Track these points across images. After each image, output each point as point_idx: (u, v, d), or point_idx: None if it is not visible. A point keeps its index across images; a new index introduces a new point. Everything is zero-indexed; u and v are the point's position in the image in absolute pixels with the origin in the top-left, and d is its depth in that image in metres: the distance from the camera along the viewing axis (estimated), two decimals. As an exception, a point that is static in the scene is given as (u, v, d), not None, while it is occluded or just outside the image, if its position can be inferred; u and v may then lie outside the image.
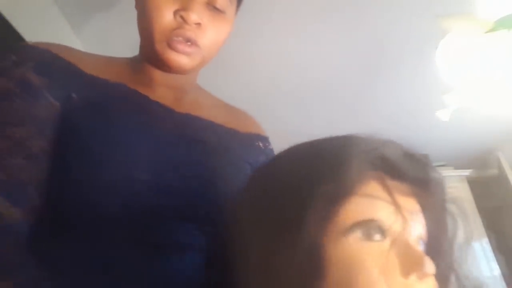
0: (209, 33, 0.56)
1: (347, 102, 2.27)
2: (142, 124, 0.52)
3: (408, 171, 0.36)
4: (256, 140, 0.64)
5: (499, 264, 2.61)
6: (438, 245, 0.38)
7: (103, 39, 1.66)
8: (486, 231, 2.69)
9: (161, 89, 0.60)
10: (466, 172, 2.86)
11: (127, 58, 0.64)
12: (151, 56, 0.58)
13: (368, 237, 0.33)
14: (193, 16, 0.52)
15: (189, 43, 0.54)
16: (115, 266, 0.41)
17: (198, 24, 0.54)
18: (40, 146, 0.45)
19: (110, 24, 1.58)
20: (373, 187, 0.35)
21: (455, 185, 2.86)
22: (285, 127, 2.29)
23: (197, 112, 0.59)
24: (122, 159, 0.47)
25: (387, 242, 0.34)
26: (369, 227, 0.34)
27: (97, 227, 0.43)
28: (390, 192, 0.35)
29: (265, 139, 0.66)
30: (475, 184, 2.86)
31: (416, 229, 0.36)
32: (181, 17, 0.53)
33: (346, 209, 0.34)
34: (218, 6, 0.56)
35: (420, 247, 0.36)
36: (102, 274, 0.41)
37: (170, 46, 0.54)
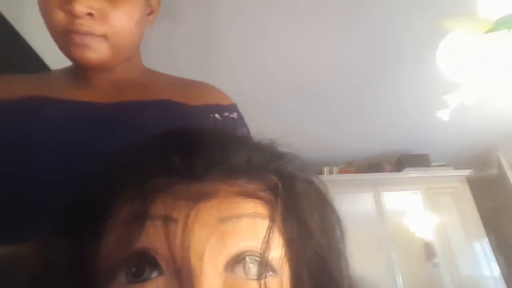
0: (110, 18, 0.51)
1: (347, 102, 2.27)
2: (49, 125, 0.50)
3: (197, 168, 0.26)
4: (211, 111, 0.58)
5: (499, 264, 2.61)
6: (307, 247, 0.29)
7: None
8: (486, 231, 2.69)
9: (100, 87, 0.58)
10: (466, 172, 2.86)
11: (69, 66, 0.63)
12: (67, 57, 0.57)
13: (136, 276, 0.24)
14: (78, 8, 0.48)
15: (88, 37, 0.50)
16: None
17: (90, 14, 0.49)
18: None
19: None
20: (139, 204, 0.25)
21: (455, 185, 2.86)
22: (285, 127, 2.29)
23: (142, 97, 0.56)
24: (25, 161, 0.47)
25: (165, 279, 0.24)
26: (137, 261, 0.24)
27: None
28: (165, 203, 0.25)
29: (224, 108, 0.60)
30: (475, 184, 2.87)
31: (229, 244, 0.25)
32: (69, 11, 0.49)
33: (103, 245, 0.26)
34: None
35: (249, 266, 0.25)
36: None
37: (70, 42, 0.51)
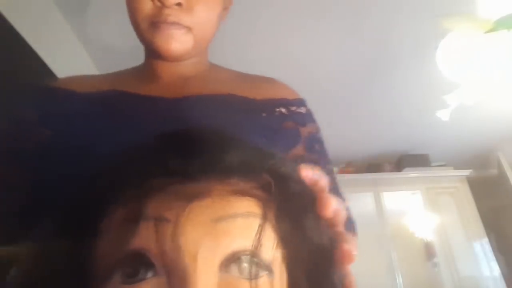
0: (195, 10, 0.52)
1: (347, 102, 2.27)
2: (116, 121, 0.51)
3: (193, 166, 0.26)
4: (276, 106, 0.58)
5: (499, 264, 2.61)
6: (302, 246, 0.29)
7: (103, 39, 1.66)
8: (486, 231, 2.69)
9: (167, 80, 0.59)
10: (466, 172, 2.86)
11: (138, 65, 0.65)
12: (147, 49, 0.58)
13: (131, 277, 0.24)
14: None
15: (174, 27, 0.52)
16: None
17: (179, 4, 0.51)
18: (22, 176, 0.48)
19: (110, 24, 1.59)
20: (137, 204, 0.25)
21: (455, 185, 2.86)
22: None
23: (207, 91, 0.57)
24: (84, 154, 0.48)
25: (160, 280, 0.24)
26: (133, 262, 0.24)
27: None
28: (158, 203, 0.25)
29: (290, 103, 0.60)
30: (475, 184, 2.87)
31: (223, 244, 0.25)
32: (159, 1, 0.51)
33: (99, 246, 0.26)
34: None
35: (243, 267, 0.25)
36: None
37: (155, 32, 0.52)
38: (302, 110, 0.61)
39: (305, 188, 0.30)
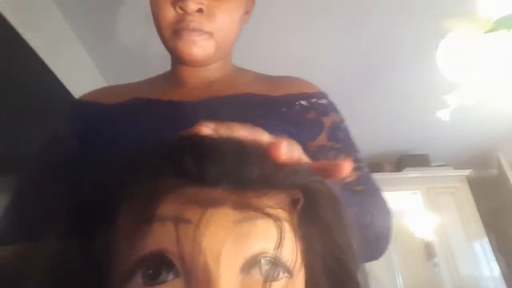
0: (216, 16, 0.53)
1: (347, 103, 2.26)
2: (143, 127, 0.52)
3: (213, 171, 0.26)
4: (296, 100, 0.59)
5: (499, 264, 2.61)
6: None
7: (102, 39, 1.66)
8: (486, 231, 2.69)
9: (192, 84, 0.60)
10: (466, 172, 2.86)
11: (165, 72, 0.66)
12: (172, 56, 0.60)
13: (153, 278, 0.24)
14: (191, 5, 0.51)
15: (196, 33, 0.53)
16: None
17: (200, 10, 0.52)
18: (54, 189, 0.51)
19: (110, 24, 1.59)
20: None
21: (455, 185, 2.86)
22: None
23: (229, 93, 0.58)
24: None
25: (182, 281, 0.24)
26: (154, 263, 0.24)
27: None
28: (178, 204, 0.24)
29: (309, 96, 0.61)
30: (475, 184, 2.87)
31: (245, 246, 0.25)
32: (180, 8, 0.52)
33: (117, 246, 0.26)
34: None
35: (260, 270, 0.25)
36: None
37: (178, 38, 0.53)
38: (323, 101, 0.62)
39: (326, 188, 0.30)
